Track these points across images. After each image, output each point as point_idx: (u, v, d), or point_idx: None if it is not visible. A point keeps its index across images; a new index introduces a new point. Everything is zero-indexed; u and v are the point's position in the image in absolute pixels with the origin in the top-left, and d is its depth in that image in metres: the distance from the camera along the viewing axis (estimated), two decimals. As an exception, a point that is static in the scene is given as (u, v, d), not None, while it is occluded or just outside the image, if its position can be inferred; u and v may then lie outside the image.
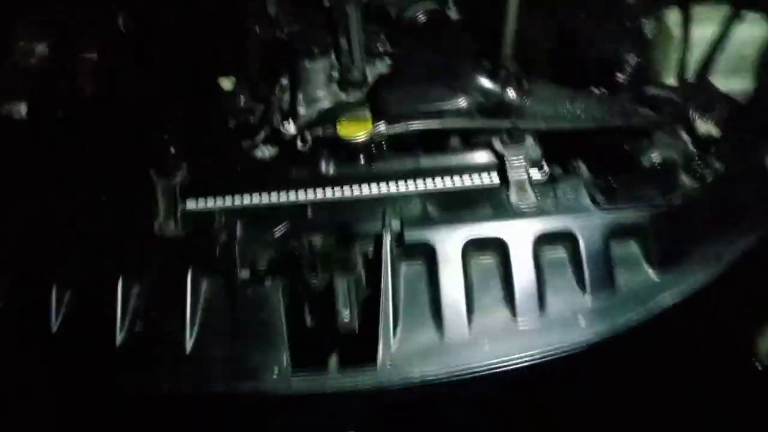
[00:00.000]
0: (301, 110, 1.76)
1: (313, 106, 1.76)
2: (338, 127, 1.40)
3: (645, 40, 1.65)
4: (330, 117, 1.50)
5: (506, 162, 1.39)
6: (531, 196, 1.33)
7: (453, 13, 1.85)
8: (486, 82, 1.55)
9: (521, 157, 1.39)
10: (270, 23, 1.74)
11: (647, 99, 1.56)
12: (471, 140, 1.49)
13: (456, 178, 1.42)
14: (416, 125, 1.44)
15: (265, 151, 1.88)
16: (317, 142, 1.46)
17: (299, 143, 1.49)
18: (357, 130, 1.40)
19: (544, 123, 1.47)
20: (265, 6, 1.72)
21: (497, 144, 1.42)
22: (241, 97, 1.88)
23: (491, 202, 1.35)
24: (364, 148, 1.42)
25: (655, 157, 1.43)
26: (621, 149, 1.46)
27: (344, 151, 1.42)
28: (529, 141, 1.42)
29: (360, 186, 1.42)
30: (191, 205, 1.43)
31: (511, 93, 1.56)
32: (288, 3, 1.74)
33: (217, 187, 1.44)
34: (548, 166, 1.44)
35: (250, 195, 1.43)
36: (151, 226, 1.36)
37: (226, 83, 1.86)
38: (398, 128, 1.44)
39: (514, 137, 1.41)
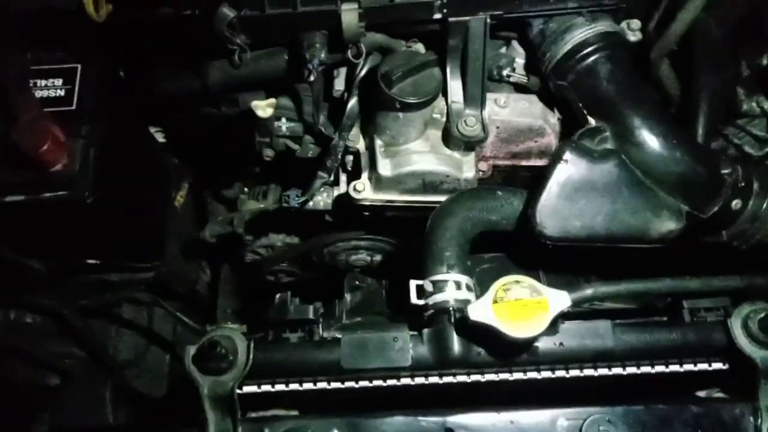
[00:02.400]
0: (383, 169, 1.16)
1: (400, 167, 1.16)
2: (494, 310, 0.84)
3: None
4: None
5: (758, 375, 0.86)
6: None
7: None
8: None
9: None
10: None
11: None
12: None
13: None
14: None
15: (320, 203, 1.32)
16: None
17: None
18: (527, 324, 0.83)
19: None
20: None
21: (741, 337, 0.87)
22: (283, 128, 1.26)
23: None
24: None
25: None
26: None
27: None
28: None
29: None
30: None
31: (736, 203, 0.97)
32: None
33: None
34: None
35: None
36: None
37: (264, 107, 1.23)
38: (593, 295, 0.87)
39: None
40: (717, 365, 0.89)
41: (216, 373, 0.87)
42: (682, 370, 0.89)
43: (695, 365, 0.89)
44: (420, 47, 1.16)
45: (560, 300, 0.85)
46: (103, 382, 1.21)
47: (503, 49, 1.19)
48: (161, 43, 1.16)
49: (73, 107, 1.07)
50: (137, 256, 1.32)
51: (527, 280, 0.86)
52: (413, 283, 0.94)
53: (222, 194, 1.72)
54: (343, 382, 0.89)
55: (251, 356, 0.89)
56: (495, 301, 0.85)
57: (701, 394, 0.93)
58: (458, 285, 0.93)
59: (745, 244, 1.02)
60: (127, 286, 1.45)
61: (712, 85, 1.24)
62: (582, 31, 1.05)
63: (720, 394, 0.92)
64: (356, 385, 0.90)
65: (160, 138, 1.56)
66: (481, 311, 0.84)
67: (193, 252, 1.80)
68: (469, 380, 0.89)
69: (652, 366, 0.89)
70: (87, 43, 1.18)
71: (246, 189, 1.66)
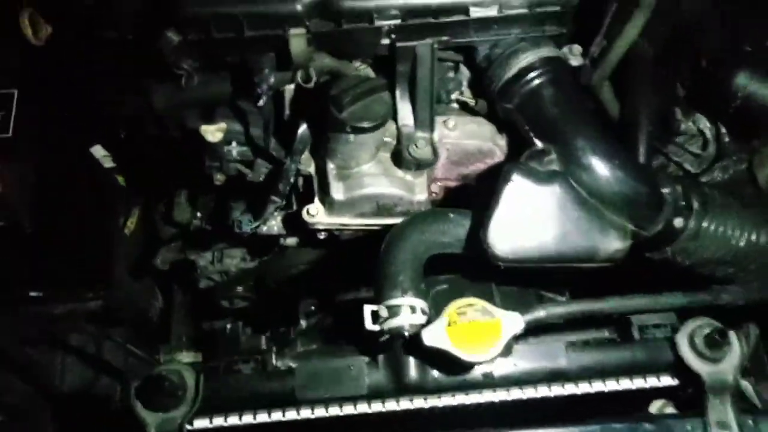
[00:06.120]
0: (336, 193, 1.15)
1: (353, 191, 1.16)
2: (449, 334, 0.84)
3: None
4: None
5: (705, 390, 0.88)
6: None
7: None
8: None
9: (728, 376, 0.88)
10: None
11: None
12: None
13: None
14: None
15: (273, 227, 1.31)
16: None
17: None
18: (481, 347, 0.84)
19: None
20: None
21: (688, 353, 0.90)
22: (233, 152, 1.24)
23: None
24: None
25: None
26: None
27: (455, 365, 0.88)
28: (735, 343, 0.90)
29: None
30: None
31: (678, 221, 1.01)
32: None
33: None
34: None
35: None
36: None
37: (213, 132, 1.20)
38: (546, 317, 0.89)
39: (718, 341, 0.88)
40: (666, 380, 0.92)
41: (163, 410, 0.84)
42: (633, 386, 0.91)
43: (645, 381, 0.91)
44: (369, 72, 1.16)
45: (514, 322, 0.85)
46: (44, 421, 1.15)
47: (451, 73, 1.21)
48: (104, 66, 1.13)
49: (9, 134, 1.03)
50: (83, 284, 1.28)
51: (480, 303, 0.86)
52: (368, 309, 0.93)
53: (173, 218, 1.68)
54: (298, 413, 0.88)
55: (201, 390, 0.86)
56: (449, 325, 0.85)
57: (654, 407, 0.95)
58: (413, 309, 0.92)
59: (688, 260, 1.05)
60: (72, 317, 1.40)
61: (650, 106, 1.29)
62: (526, 56, 1.07)
63: (671, 408, 0.94)
64: (312, 415, 0.89)
65: (108, 163, 1.52)
66: (434, 335, 0.84)
67: (145, 278, 1.75)
68: (426, 405, 0.89)
69: (604, 383, 0.90)
70: (25, 68, 1.14)
71: (198, 214, 1.63)
